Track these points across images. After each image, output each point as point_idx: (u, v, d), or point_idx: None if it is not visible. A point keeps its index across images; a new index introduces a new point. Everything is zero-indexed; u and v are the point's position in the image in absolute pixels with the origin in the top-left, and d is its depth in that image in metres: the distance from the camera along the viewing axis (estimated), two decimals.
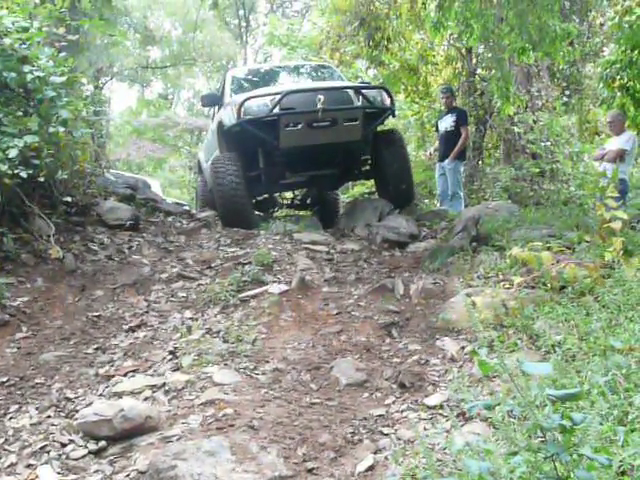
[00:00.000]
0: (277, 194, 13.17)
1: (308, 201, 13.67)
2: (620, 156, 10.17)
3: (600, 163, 10.53)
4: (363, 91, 10.55)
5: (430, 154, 19.40)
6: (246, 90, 11.50)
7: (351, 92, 10.54)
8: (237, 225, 9.76)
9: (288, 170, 10.79)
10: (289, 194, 13.98)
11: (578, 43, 16.53)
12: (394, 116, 11.93)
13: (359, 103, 10.40)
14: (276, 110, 9.78)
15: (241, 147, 10.51)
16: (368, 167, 11.61)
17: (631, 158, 10.74)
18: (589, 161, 13.94)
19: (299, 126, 9.91)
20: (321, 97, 9.72)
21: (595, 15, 18.86)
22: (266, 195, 12.32)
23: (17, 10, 7.93)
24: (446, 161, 12.60)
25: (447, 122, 12.85)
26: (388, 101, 10.79)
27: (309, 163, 10.74)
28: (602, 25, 18.63)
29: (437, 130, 13.67)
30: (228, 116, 10.57)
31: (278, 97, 9.83)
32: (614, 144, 10.54)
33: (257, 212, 13.36)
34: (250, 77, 13.07)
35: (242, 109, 9.94)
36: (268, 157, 10.46)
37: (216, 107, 12.54)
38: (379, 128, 11.27)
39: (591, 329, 4.46)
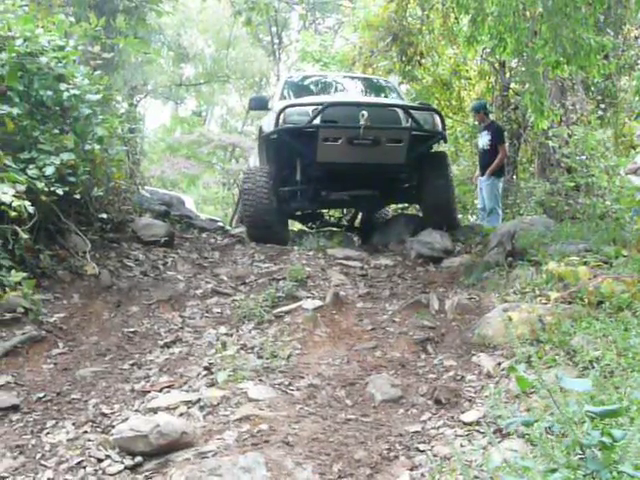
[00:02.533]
0: (325, 210, 12.76)
1: (356, 222, 13.20)
2: None
3: (635, 177, 10.44)
4: (412, 112, 10.02)
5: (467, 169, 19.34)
6: (298, 97, 11.21)
7: (400, 111, 10.02)
8: (264, 240, 9.54)
9: (324, 187, 10.38)
10: (337, 212, 13.58)
11: (613, 56, 16.39)
12: (445, 141, 11.44)
13: (407, 124, 9.94)
14: (316, 121, 9.45)
15: (279, 157, 10.25)
16: (411, 191, 11.10)
17: None
18: (624, 175, 13.78)
19: (339, 141, 9.53)
20: (365, 113, 9.31)
21: (630, 28, 18.71)
22: (311, 210, 11.84)
23: (53, 29, 8.03)
24: (483, 177, 12.55)
25: (484, 140, 12.82)
26: (439, 125, 10.30)
27: (347, 182, 10.31)
28: (637, 38, 18.49)
29: (477, 147, 13.63)
30: (268, 123, 10.32)
31: (320, 108, 9.49)
32: None
33: (303, 225, 13.40)
34: (305, 83, 12.63)
35: (282, 116, 9.66)
36: (305, 171, 10.09)
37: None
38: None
39: (629, 344, 4.40)
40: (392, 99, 11.78)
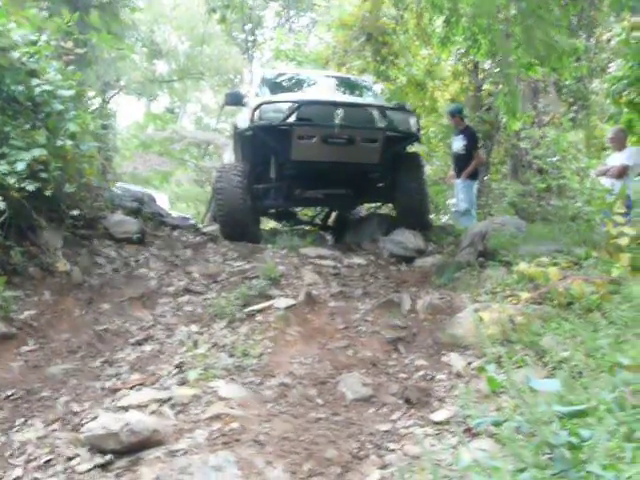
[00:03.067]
0: (297, 209, 12.63)
1: (329, 221, 13.08)
2: (623, 172, 10.17)
3: (604, 178, 10.53)
4: (387, 112, 10.01)
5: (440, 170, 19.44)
6: (274, 94, 11.08)
7: (375, 111, 9.97)
8: (237, 239, 9.50)
9: (298, 185, 10.31)
10: (310, 212, 13.51)
11: (585, 59, 16.55)
12: (419, 142, 11.45)
13: (382, 124, 9.87)
14: (291, 119, 9.40)
15: (253, 154, 10.20)
16: (385, 190, 11.05)
17: (634, 173, 10.74)
18: (594, 176, 13.91)
19: (313, 140, 9.48)
20: (340, 112, 9.32)
21: (602, 31, 18.89)
22: (284, 208, 11.75)
23: (25, 23, 7.97)
24: (459, 180, 12.62)
25: (458, 144, 12.84)
26: (414, 126, 10.29)
27: (321, 180, 10.27)
28: (609, 41, 18.64)
29: (451, 149, 13.68)
30: (243, 119, 10.21)
31: (295, 105, 9.45)
32: (616, 160, 10.54)
33: (276, 223, 13.37)
34: (281, 80, 12.52)
35: (256, 113, 9.57)
36: (279, 169, 10.07)
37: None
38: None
39: (598, 345, 4.44)
40: (368, 99, 11.75)
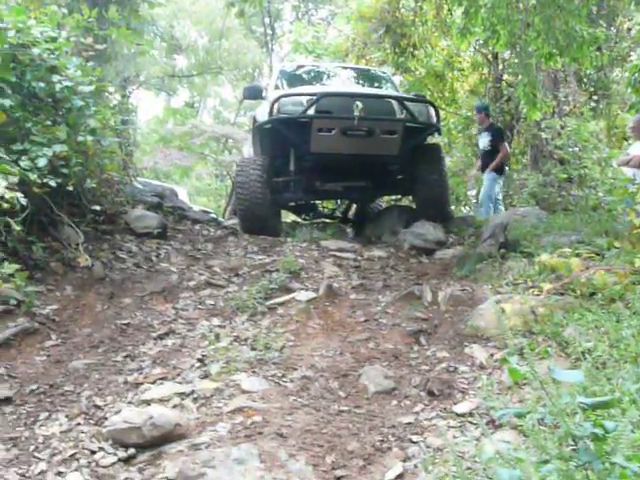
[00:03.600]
0: (318, 202, 12.65)
1: (350, 214, 13.11)
2: None
3: (626, 168, 10.44)
4: (407, 103, 9.93)
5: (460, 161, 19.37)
6: (293, 87, 11.13)
7: (394, 103, 9.93)
8: (256, 232, 9.49)
9: (318, 178, 10.27)
10: (331, 204, 13.47)
11: (605, 48, 16.42)
12: (440, 134, 11.39)
13: (401, 116, 9.83)
14: (310, 112, 9.40)
15: (272, 148, 10.19)
16: (405, 183, 10.97)
17: None
18: (616, 166, 13.81)
19: (332, 132, 9.47)
20: (359, 104, 9.28)
21: (622, 20, 18.73)
22: (304, 201, 11.78)
23: (45, 20, 8.00)
24: (486, 173, 12.65)
25: (484, 141, 13.02)
26: (434, 117, 10.25)
27: (340, 173, 10.25)
28: (630, 30, 18.50)
29: (477, 146, 13.74)
30: (262, 112, 10.24)
31: (314, 98, 9.44)
32: (638, 149, 10.44)
33: (296, 216, 13.34)
34: (300, 73, 12.52)
35: (276, 106, 9.59)
36: (298, 162, 10.05)
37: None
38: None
39: (622, 336, 4.42)
40: (387, 90, 11.76)
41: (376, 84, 12.52)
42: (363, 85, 12.30)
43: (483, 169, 12.90)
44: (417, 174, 10.36)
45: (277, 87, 11.43)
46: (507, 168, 13.36)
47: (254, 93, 11.42)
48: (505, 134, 13.38)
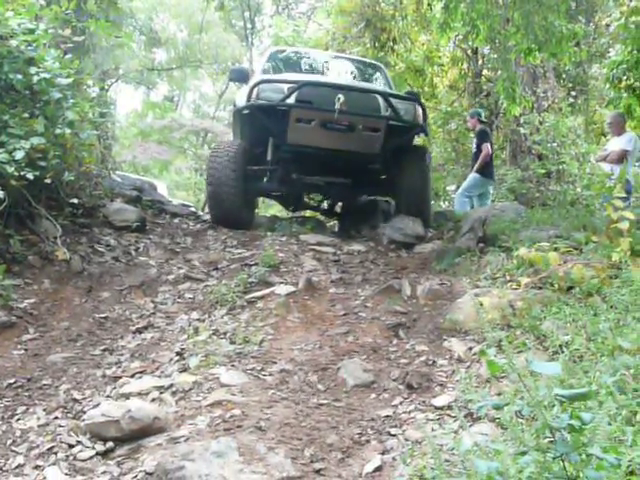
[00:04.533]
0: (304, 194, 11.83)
1: (337, 208, 12.51)
2: (622, 157, 10.17)
3: (604, 163, 10.54)
4: (393, 100, 9.44)
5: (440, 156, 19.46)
6: (281, 72, 10.77)
7: (380, 98, 9.45)
8: (226, 223, 9.26)
9: (295, 170, 9.83)
10: (318, 196, 12.49)
11: (584, 44, 16.53)
12: (426, 135, 11.09)
13: (386, 113, 9.38)
14: (290, 100, 8.98)
15: (250, 134, 9.81)
16: (387, 183, 10.46)
17: (633, 158, 10.74)
18: (595, 162, 13.92)
19: (311, 124, 9.07)
20: (341, 96, 8.82)
21: (601, 16, 18.86)
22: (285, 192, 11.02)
23: (23, 12, 7.93)
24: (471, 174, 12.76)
25: (474, 144, 13.25)
26: (421, 117, 9.75)
27: (319, 167, 9.80)
28: (608, 26, 18.62)
29: None
30: (242, 97, 9.81)
31: (294, 86, 9.04)
32: (615, 145, 10.53)
33: (283, 206, 12.97)
34: (290, 59, 12.07)
35: (255, 91, 9.21)
36: (276, 152, 9.61)
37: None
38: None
39: (599, 329, 4.44)
40: (378, 84, 11.47)
41: (368, 77, 12.07)
42: (354, 77, 11.78)
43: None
44: (399, 177, 9.93)
45: (265, 71, 11.06)
46: (492, 169, 13.30)
47: (240, 76, 11.06)
48: (489, 136, 13.33)
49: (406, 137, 9.93)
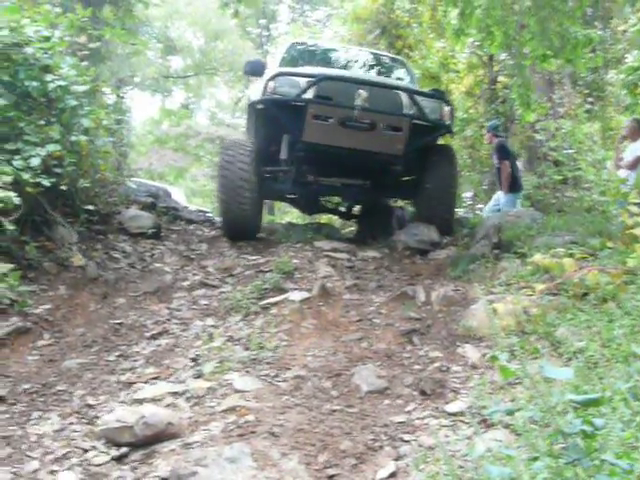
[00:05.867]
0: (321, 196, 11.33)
1: (355, 211, 12.13)
2: (638, 163, 10.12)
3: (621, 170, 10.50)
4: (417, 97, 8.90)
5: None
6: (299, 65, 10.13)
7: (404, 95, 8.88)
8: (241, 236, 8.87)
9: (310, 171, 9.39)
10: (336, 198, 12.02)
11: (600, 50, 16.47)
12: (452, 135, 10.51)
13: (410, 111, 8.84)
14: (307, 95, 8.51)
15: (265, 131, 9.33)
16: (409, 186, 10.00)
17: None
18: (611, 168, 13.87)
19: (329, 121, 8.55)
20: (362, 92, 8.39)
21: (617, 22, 18.79)
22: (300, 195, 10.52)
23: (39, 19, 7.99)
24: (502, 193, 12.76)
25: (494, 158, 13.14)
26: (448, 116, 9.23)
27: (336, 168, 9.35)
28: (624, 32, 18.56)
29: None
30: (256, 90, 9.33)
31: (313, 80, 8.55)
32: (631, 151, 10.48)
33: (299, 209, 12.65)
34: (310, 51, 11.45)
35: (270, 85, 8.66)
36: (291, 150, 9.08)
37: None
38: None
39: (613, 336, 4.42)
40: (402, 81, 10.78)
41: (391, 73, 11.38)
42: (376, 72, 11.25)
43: (500, 186, 13.00)
44: (423, 180, 9.43)
45: (282, 64, 10.39)
46: (520, 181, 13.21)
47: (255, 68, 10.14)
48: (507, 150, 13.18)
49: (431, 137, 9.43)
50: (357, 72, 10.71)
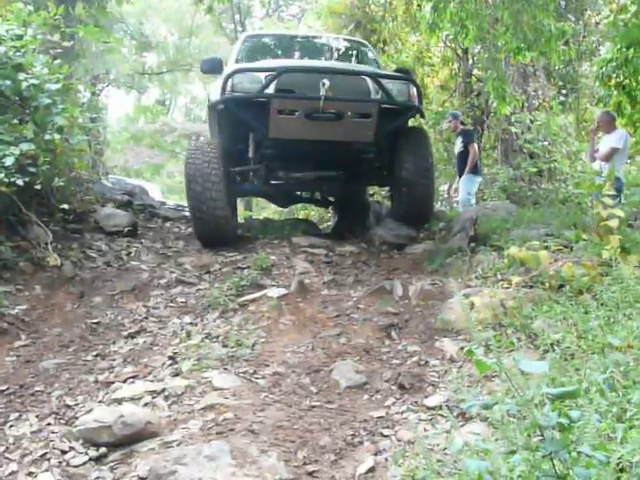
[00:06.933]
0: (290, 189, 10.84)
1: (331, 198, 11.72)
2: (612, 154, 10.19)
3: (595, 161, 10.58)
4: (383, 81, 8.49)
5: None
6: (257, 59, 9.66)
7: (369, 80, 8.53)
8: (213, 241, 8.49)
9: (281, 167, 9.14)
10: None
11: (574, 42, 16.57)
12: (422, 116, 10.12)
13: (377, 96, 8.50)
14: (269, 90, 8.14)
15: (229, 131, 8.97)
16: (383, 171, 9.71)
17: (624, 156, 10.76)
18: (586, 160, 13.95)
19: (295, 115, 8.19)
20: (326, 82, 7.99)
21: (590, 14, 18.91)
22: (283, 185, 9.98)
23: (11, 18, 7.95)
24: (462, 177, 12.75)
25: (457, 145, 13.16)
26: (415, 97, 8.83)
27: (307, 162, 9.06)
28: (597, 24, 18.70)
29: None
30: (216, 90, 8.85)
31: (273, 74, 8.14)
32: (605, 143, 10.56)
33: (273, 202, 12.30)
34: (266, 44, 11.13)
35: (229, 83, 8.30)
36: (258, 148, 8.80)
37: None
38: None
39: (589, 327, 4.46)
40: (364, 64, 10.46)
41: (352, 57, 11.03)
42: (337, 58, 10.88)
43: (460, 173, 12.98)
44: (397, 164, 9.11)
45: (238, 60, 9.99)
46: (480, 164, 13.36)
47: (213, 66, 9.73)
48: (475, 135, 13.41)
49: (401, 120, 9.12)
50: (318, 60, 10.47)
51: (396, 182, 9.31)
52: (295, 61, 9.95)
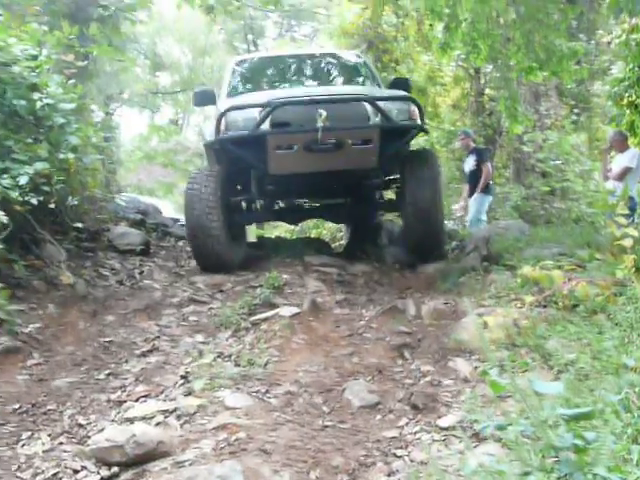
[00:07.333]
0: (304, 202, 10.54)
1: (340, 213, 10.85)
2: (625, 174, 10.18)
3: (609, 181, 10.57)
4: (380, 103, 8.19)
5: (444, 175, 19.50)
6: (249, 88, 9.57)
7: (367, 104, 8.21)
8: (210, 265, 8.30)
9: (283, 198, 9.13)
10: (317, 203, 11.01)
11: (586, 62, 16.58)
12: (426, 133, 9.96)
13: (377, 119, 8.20)
14: (264, 127, 7.93)
15: (228, 166, 8.72)
16: (391, 196, 9.51)
17: (637, 175, 10.74)
18: (599, 179, 13.93)
19: (293, 149, 7.99)
20: (322, 112, 7.72)
21: (602, 33, 18.92)
22: (285, 203, 9.97)
23: (26, 38, 7.99)
24: (474, 195, 12.72)
25: (469, 163, 13.14)
26: (417, 114, 8.53)
27: (310, 191, 9.07)
28: (609, 43, 18.67)
29: (464, 171, 13.85)
30: (209, 129, 8.80)
31: (267, 110, 7.92)
32: (618, 162, 10.55)
33: (281, 220, 11.70)
34: (256, 69, 10.74)
35: (223, 122, 8.12)
36: (260, 183, 8.68)
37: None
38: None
39: (604, 347, 4.43)
40: (361, 86, 10.05)
41: (350, 74, 10.64)
42: (333, 78, 10.55)
43: (471, 192, 12.93)
44: (403, 192, 8.76)
45: (230, 92, 9.77)
46: (492, 184, 13.34)
47: (205, 99, 9.57)
48: (488, 154, 13.40)
49: (404, 140, 8.69)
50: (313, 83, 10.25)
51: (403, 210, 8.95)
52: (289, 90, 9.54)
